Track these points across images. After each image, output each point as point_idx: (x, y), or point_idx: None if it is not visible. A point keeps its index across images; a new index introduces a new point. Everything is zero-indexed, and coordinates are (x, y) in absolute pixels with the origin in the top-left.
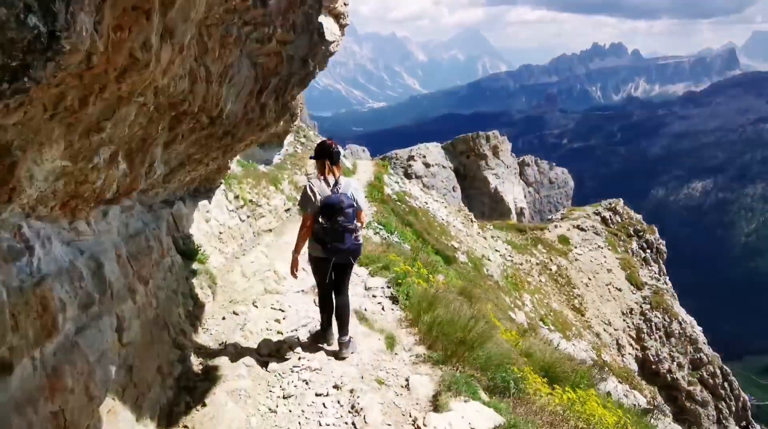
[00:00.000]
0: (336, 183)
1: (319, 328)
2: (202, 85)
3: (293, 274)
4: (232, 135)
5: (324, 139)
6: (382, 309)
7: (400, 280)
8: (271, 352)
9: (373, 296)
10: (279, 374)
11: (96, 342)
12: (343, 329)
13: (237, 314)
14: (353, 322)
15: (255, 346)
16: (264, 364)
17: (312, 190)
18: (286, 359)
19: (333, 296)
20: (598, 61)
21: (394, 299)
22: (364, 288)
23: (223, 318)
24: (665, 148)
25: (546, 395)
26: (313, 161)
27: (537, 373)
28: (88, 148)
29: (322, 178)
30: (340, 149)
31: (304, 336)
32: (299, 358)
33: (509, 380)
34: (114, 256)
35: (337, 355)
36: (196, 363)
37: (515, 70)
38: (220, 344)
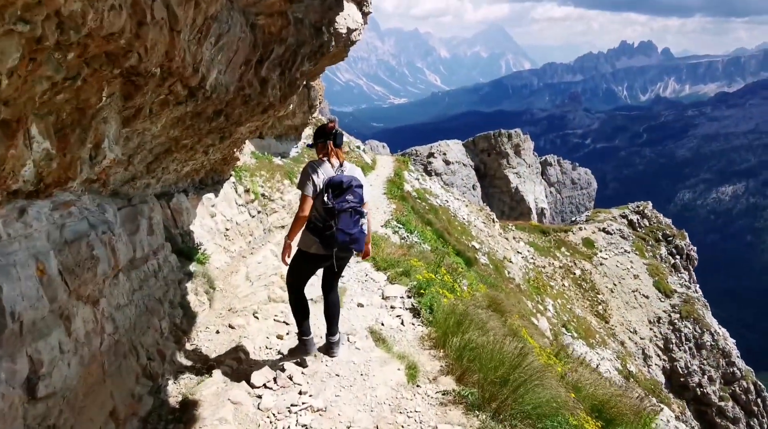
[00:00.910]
0: (341, 165)
1: (297, 342)
2: (159, 32)
3: (283, 260)
4: (227, 115)
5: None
6: (402, 323)
7: (422, 290)
8: (266, 383)
9: (392, 307)
10: (273, 415)
11: None
12: (334, 327)
13: (233, 328)
14: (368, 344)
15: (248, 367)
16: (256, 399)
17: (314, 169)
18: (284, 392)
19: (324, 294)
20: (625, 60)
21: (415, 312)
22: (381, 297)
23: (217, 332)
24: (693, 150)
25: None
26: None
27: (588, 414)
28: None
29: (325, 159)
30: (342, 132)
31: (309, 359)
32: (300, 393)
33: None
34: (32, 273)
35: (329, 353)
36: (174, 393)
37: (539, 68)
38: (207, 367)
